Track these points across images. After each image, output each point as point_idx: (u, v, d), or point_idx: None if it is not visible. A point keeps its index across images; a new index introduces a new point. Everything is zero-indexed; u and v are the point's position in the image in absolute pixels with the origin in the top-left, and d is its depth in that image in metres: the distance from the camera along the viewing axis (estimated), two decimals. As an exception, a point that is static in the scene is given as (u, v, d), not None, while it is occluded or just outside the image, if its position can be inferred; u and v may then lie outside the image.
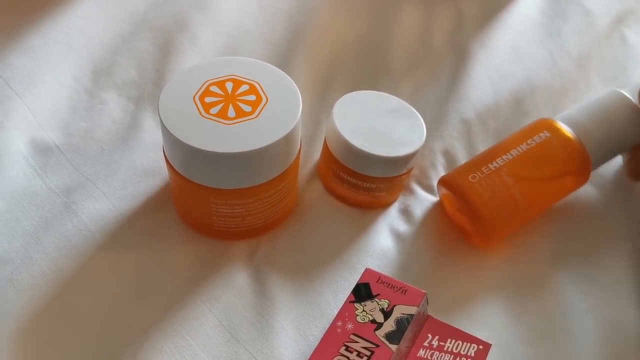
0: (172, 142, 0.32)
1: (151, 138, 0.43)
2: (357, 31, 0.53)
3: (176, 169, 0.34)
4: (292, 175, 0.37)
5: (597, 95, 0.42)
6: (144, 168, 0.42)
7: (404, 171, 0.40)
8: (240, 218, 0.36)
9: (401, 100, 0.41)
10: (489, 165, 0.38)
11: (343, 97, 0.40)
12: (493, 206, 0.37)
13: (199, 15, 0.51)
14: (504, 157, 0.39)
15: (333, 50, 0.51)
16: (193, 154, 0.32)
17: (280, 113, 0.33)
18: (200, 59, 0.49)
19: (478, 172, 0.38)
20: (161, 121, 0.32)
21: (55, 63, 0.47)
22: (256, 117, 0.33)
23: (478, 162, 0.39)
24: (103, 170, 0.41)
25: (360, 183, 0.39)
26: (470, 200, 0.37)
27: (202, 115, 0.32)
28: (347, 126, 0.38)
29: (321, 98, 0.48)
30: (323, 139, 0.42)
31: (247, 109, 0.33)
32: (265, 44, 0.51)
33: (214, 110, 0.33)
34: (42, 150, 0.42)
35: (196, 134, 0.32)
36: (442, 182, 0.40)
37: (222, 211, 0.36)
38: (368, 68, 0.51)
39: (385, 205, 0.42)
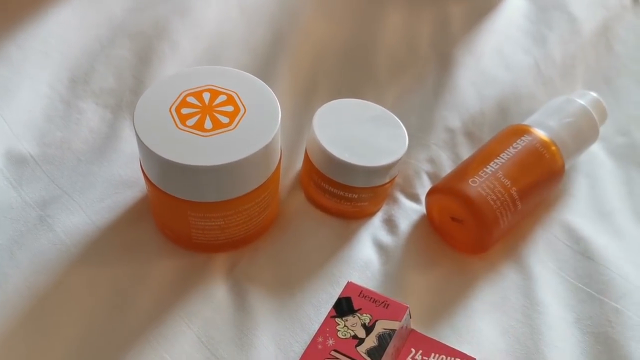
0: (147, 154, 0.32)
1: (129, 148, 0.43)
2: (340, 36, 0.53)
3: (152, 181, 0.34)
4: (272, 186, 0.36)
5: (555, 100, 0.45)
6: (122, 179, 0.41)
7: (387, 180, 0.39)
8: (220, 230, 0.36)
9: (383, 108, 0.41)
10: (485, 169, 0.38)
11: (323, 106, 0.40)
12: (496, 209, 0.37)
13: (179, 21, 0.51)
14: (496, 161, 0.39)
15: (315, 56, 0.51)
16: (169, 167, 0.31)
17: (259, 124, 0.33)
18: (180, 65, 0.48)
19: (476, 177, 0.38)
20: (136, 134, 0.32)
21: (32, 72, 0.46)
22: (234, 128, 0.32)
23: (470, 169, 0.39)
24: (80, 182, 0.40)
25: (342, 193, 0.39)
26: (476, 204, 0.37)
27: (179, 127, 0.32)
28: (327, 136, 0.38)
29: (303, 105, 0.47)
30: (304, 149, 0.41)
31: (225, 120, 0.33)
32: (247, 49, 0.50)
33: (191, 122, 0.32)
34: (18, 162, 0.41)
35: (172, 146, 0.31)
36: (440, 190, 0.40)
37: (201, 224, 0.35)
38: (351, 74, 0.50)
39: (369, 215, 0.42)
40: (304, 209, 0.41)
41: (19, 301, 0.34)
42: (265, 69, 0.48)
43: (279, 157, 0.36)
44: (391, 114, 0.40)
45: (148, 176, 0.34)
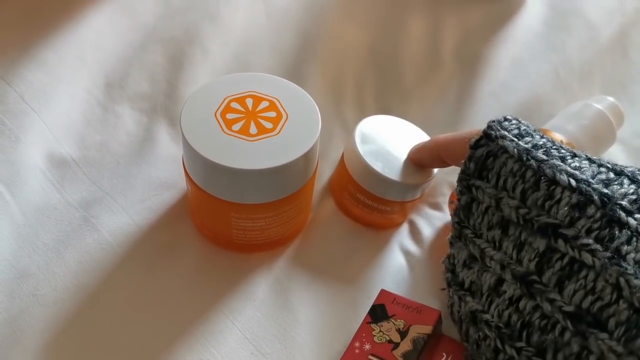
0: (195, 157, 0.33)
1: (165, 151, 0.44)
2: (365, 42, 0.54)
3: (197, 183, 0.35)
4: (310, 189, 0.38)
5: (574, 105, 0.47)
6: (160, 181, 0.42)
7: (418, 196, 0.41)
8: (260, 231, 0.37)
9: (416, 127, 0.42)
10: None
11: (364, 120, 0.41)
12: None
13: (209, 26, 0.52)
14: None
15: (341, 62, 0.52)
16: (216, 170, 0.32)
17: (301, 130, 0.34)
18: (211, 70, 0.49)
19: None
20: (184, 137, 0.33)
21: (69, 77, 0.47)
22: (277, 133, 0.34)
23: None
24: (120, 183, 0.42)
25: (376, 205, 0.40)
26: None
27: (225, 132, 0.33)
28: (368, 150, 0.39)
29: (329, 110, 0.48)
30: (333, 152, 0.43)
31: (269, 125, 0.34)
32: (275, 55, 0.52)
33: (236, 126, 0.33)
34: (59, 164, 0.42)
35: (219, 150, 0.32)
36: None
37: (242, 225, 0.36)
38: (377, 80, 0.51)
39: (396, 226, 0.43)
40: (335, 215, 0.43)
41: (68, 299, 0.36)
42: (292, 74, 0.50)
43: (317, 161, 0.37)
44: (423, 132, 0.42)
45: (193, 179, 0.35)
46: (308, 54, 0.51)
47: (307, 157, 0.34)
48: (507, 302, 0.26)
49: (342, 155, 0.42)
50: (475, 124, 0.49)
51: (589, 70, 0.55)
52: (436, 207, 0.44)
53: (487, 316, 0.27)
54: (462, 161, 0.32)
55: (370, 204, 0.40)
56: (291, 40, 0.53)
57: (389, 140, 0.40)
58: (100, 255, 0.38)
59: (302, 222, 0.40)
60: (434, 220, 0.43)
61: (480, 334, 0.27)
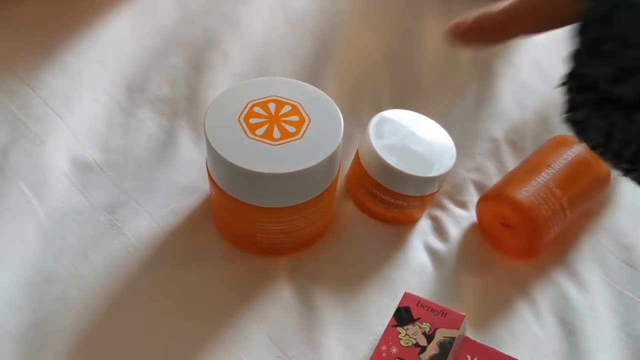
0: (219, 162, 0.33)
1: (188, 155, 0.44)
2: (383, 46, 0.54)
3: (221, 187, 0.35)
4: (332, 191, 0.38)
5: None
6: (183, 185, 0.42)
7: (436, 189, 0.41)
8: (284, 235, 0.37)
9: (432, 121, 0.42)
10: (536, 179, 0.40)
11: (377, 115, 0.41)
12: (548, 218, 0.39)
13: (228, 31, 0.52)
14: (547, 171, 0.40)
15: (359, 66, 0.52)
16: (241, 175, 0.33)
17: (323, 133, 0.34)
18: (230, 74, 0.50)
19: (529, 186, 0.39)
20: (208, 142, 0.33)
21: (90, 80, 0.47)
22: (300, 137, 0.34)
23: (522, 178, 0.41)
24: (144, 187, 0.42)
25: (392, 200, 0.40)
26: (529, 213, 0.39)
27: (248, 136, 0.33)
28: (382, 145, 0.39)
29: (348, 114, 0.48)
30: (352, 155, 0.43)
31: (292, 129, 0.34)
32: (293, 59, 0.52)
33: (260, 131, 0.34)
34: (83, 168, 0.42)
35: (243, 154, 0.32)
36: (494, 197, 0.41)
37: (267, 228, 0.37)
38: (395, 84, 0.52)
39: (414, 221, 0.43)
40: (354, 214, 0.43)
41: (96, 303, 0.36)
42: (310, 78, 0.50)
43: (339, 164, 0.37)
44: (439, 126, 0.42)
45: (217, 183, 0.35)
46: (326, 58, 0.52)
47: (330, 160, 0.34)
48: None
49: (357, 151, 0.42)
50: (496, 123, 0.49)
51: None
52: (463, 205, 0.44)
53: None
54: None
55: (387, 200, 0.40)
56: (309, 44, 0.53)
57: (403, 134, 0.41)
58: (127, 259, 0.38)
59: (325, 225, 0.41)
60: (460, 219, 0.43)
61: None
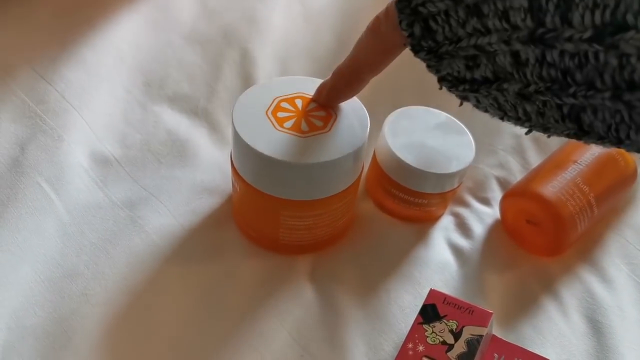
0: (246, 153, 0.33)
1: (208, 155, 0.44)
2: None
3: (248, 180, 0.35)
4: (356, 187, 0.37)
5: None
6: (204, 185, 0.42)
7: (455, 186, 0.40)
8: (307, 230, 0.37)
9: (448, 115, 0.42)
10: (563, 175, 0.39)
11: (392, 113, 0.41)
12: (575, 215, 0.38)
13: (247, 28, 0.52)
14: (574, 167, 0.40)
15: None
16: (268, 165, 0.32)
17: (351, 128, 0.34)
18: (250, 72, 0.49)
19: (555, 182, 0.39)
20: (236, 133, 0.33)
21: (108, 75, 0.47)
22: (328, 131, 0.34)
23: (547, 174, 0.40)
24: (165, 185, 0.41)
25: (412, 199, 0.40)
26: (557, 209, 0.38)
27: (277, 129, 0.33)
28: (398, 143, 0.39)
29: (368, 113, 0.48)
30: (371, 154, 0.42)
31: (319, 123, 0.34)
32: (312, 57, 0.51)
33: (288, 124, 0.33)
34: (102, 163, 0.42)
35: (272, 145, 0.32)
36: (520, 193, 0.41)
37: (291, 223, 0.36)
38: (415, 81, 0.51)
39: (435, 219, 0.42)
40: (374, 213, 0.42)
41: (118, 299, 0.35)
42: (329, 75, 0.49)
43: (363, 160, 0.37)
44: (457, 120, 0.41)
45: (243, 176, 0.35)
46: (345, 56, 0.51)
47: (356, 154, 0.34)
48: (536, 65, 0.25)
49: (374, 151, 0.41)
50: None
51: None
52: (486, 202, 0.44)
53: (533, 86, 0.25)
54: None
55: (406, 199, 0.40)
56: (328, 42, 0.53)
57: (419, 131, 0.40)
58: (148, 256, 0.38)
59: (346, 224, 0.40)
60: (484, 216, 0.43)
61: (538, 103, 0.26)
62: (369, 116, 0.47)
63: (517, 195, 0.41)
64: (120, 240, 0.38)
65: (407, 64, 0.51)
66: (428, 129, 0.40)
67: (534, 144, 0.47)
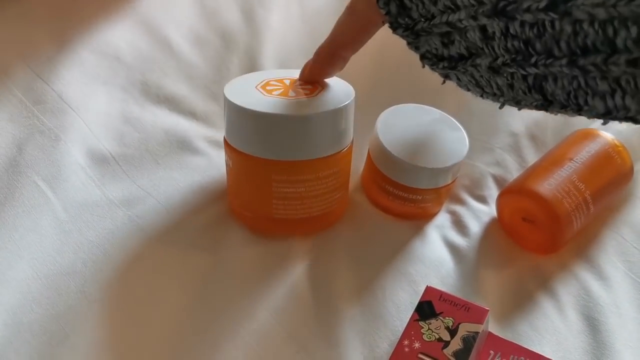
0: (237, 115, 0.35)
1: (205, 155, 0.44)
2: (399, 42, 0.53)
3: (239, 148, 0.36)
4: (346, 161, 0.38)
5: None
6: (201, 185, 0.42)
7: (450, 181, 0.40)
8: (300, 201, 0.37)
9: (441, 112, 0.42)
10: (559, 172, 0.39)
11: (385, 110, 0.41)
12: (571, 212, 0.38)
13: (245, 28, 0.52)
14: (570, 164, 0.40)
15: (376, 62, 0.52)
16: (257, 122, 0.34)
17: (336, 95, 0.36)
18: (248, 73, 0.49)
19: (552, 180, 0.39)
20: (228, 102, 0.35)
21: (105, 75, 0.47)
22: (315, 96, 0.35)
23: (544, 171, 0.40)
24: (162, 184, 0.42)
25: (406, 195, 0.40)
26: (553, 207, 0.38)
27: (266, 96, 0.35)
28: (391, 139, 0.39)
29: (364, 110, 0.48)
30: (366, 152, 0.42)
31: (306, 92, 0.36)
32: (309, 57, 0.51)
33: (277, 92, 0.36)
34: (99, 161, 0.42)
35: (260, 105, 0.34)
36: (516, 190, 0.41)
37: (283, 191, 0.37)
38: (411, 79, 0.51)
39: (431, 216, 0.43)
40: (370, 210, 0.42)
41: (114, 296, 0.35)
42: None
43: (351, 137, 0.38)
44: (450, 117, 0.41)
45: (235, 145, 0.36)
46: None
47: (340, 116, 0.35)
48: (501, 37, 0.26)
49: (368, 148, 0.41)
50: (515, 117, 0.49)
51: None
52: (482, 200, 0.44)
53: (500, 59, 0.27)
54: None
55: (401, 195, 0.40)
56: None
57: (412, 127, 0.40)
58: (146, 254, 0.38)
59: (341, 205, 0.40)
60: (480, 214, 0.43)
61: (507, 76, 0.28)
62: (366, 116, 0.47)
63: (513, 193, 0.41)
64: (117, 239, 0.38)
65: (404, 64, 0.51)
66: (421, 125, 0.40)
67: (531, 142, 0.47)
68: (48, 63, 0.46)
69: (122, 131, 0.44)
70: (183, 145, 0.44)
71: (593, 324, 0.38)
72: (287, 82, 0.37)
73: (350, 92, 0.36)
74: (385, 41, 0.52)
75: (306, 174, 0.36)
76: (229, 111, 0.35)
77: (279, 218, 0.38)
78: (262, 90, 0.36)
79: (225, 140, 0.37)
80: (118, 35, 0.50)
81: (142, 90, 0.47)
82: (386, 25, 0.53)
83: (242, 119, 0.35)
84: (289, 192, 0.37)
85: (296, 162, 0.36)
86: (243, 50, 0.51)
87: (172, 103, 0.47)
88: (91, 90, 0.46)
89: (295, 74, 0.38)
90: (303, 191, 0.37)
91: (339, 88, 0.37)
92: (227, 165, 0.38)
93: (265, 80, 0.37)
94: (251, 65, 0.50)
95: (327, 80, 0.37)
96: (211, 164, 0.44)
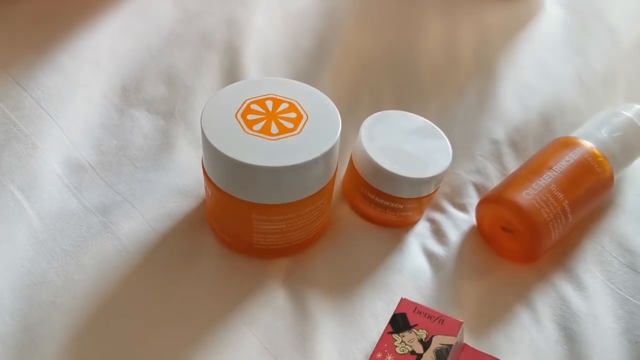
0: (216, 158, 0.33)
1: (184, 157, 0.44)
2: (381, 47, 0.53)
3: (218, 185, 0.35)
4: (329, 191, 0.37)
5: (602, 113, 0.45)
6: (179, 188, 0.42)
7: (432, 190, 0.40)
8: (280, 234, 0.37)
9: (426, 120, 0.42)
10: (538, 181, 0.39)
11: (369, 117, 0.41)
12: (549, 222, 0.38)
13: (226, 30, 0.52)
14: (549, 173, 0.40)
15: (358, 67, 0.51)
16: (238, 169, 0.32)
17: (321, 130, 0.34)
18: (228, 74, 0.49)
19: (530, 189, 0.39)
20: (205, 138, 0.33)
21: (85, 81, 0.47)
22: (298, 133, 0.33)
23: (523, 180, 0.40)
24: (138, 189, 0.41)
25: (388, 204, 0.40)
26: (530, 217, 0.38)
27: (246, 132, 0.33)
28: (374, 148, 0.39)
29: (346, 116, 0.47)
30: (349, 158, 0.42)
31: (289, 125, 0.34)
32: (291, 59, 0.51)
33: (257, 126, 0.33)
34: (76, 169, 0.42)
35: (241, 149, 0.32)
36: (494, 200, 0.40)
37: (263, 227, 0.36)
38: (394, 84, 0.51)
39: (412, 224, 0.42)
40: (350, 218, 0.42)
41: (87, 307, 0.35)
42: (308, 78, 0.49)
43: (336, 165, 0.37)
44: (434, 125, 0.41)
45: (213, 181, 0.35)
46: (324, 58, 0.51)
47: (327, 157, 0.34)
48: None
49: (351, 155, 0.41)
50: (497, 124, 0.48)
51: (612, 75, 0.54)
52: (462, 208, 0.44)
53: None
54: None
55: (382, 203, 0.40)
56: (307, 43, 0.52)
57: (396, 135, 0.40)
58: (119, 263, 0.37)
59: (321, 227, 0.40)
60: (460, 222, 0.43)
61: None
62: (348, 121, 0.47)
63: (491, 202, 0.40)
64: (91, 247, 0.38)
65: (387, 68, 0.51)
66: (405, 134, 0.40)
67: (512, 149, 0.47)
68: (27, 69, 0.46)
69: (100, 138, 0.44)
70: (161, 147, 0.44)
71: (570, 335, 0.37)
72: (270, 104, 0.35)
73: (337, 121, 0.35)
74: (368, 46, 0.53)
75: (288, 214, 0.35)
76: (206, 147, 0.34)
77: (259, 247, 0.38)
78: (242, 120, 0.34)
79: (203, 167, 0.36)
80: (99, 39, 0.49)
81: (121, 95, 0.47)
82: (368, 26, 0.54)
83: (220, 162, 0.33)
84: (269, 229, 0.36)
85: (279, 205, 0.34)
86: (224, 52, 0.50)
87: (150, 105, 0.46)
88: (70, 96, 0.45)
89: (277, 84, 0.36)
90: (284, 227, 0.36)
91: (325, 114, 0.35)
92: (205, 189, 0.37)
93: (247, 103, 0.35)
94: (232, 66, 0.50)
95: (310, 98, 0.35)
96: (190, 166, 0.43)
